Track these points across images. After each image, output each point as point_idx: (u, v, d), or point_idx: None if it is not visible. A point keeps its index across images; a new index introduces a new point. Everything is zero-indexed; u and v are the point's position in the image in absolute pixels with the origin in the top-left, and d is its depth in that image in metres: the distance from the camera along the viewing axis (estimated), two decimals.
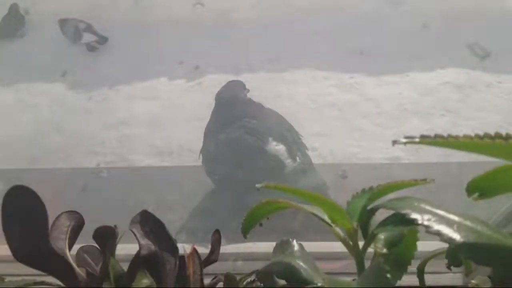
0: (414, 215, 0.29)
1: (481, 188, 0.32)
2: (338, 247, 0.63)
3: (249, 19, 2.70)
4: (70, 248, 0.36)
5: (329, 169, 1.57)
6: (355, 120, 2.16)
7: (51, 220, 0.32)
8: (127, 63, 2.52)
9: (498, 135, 0.27)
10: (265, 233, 0.52)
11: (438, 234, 0.28)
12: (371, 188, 0.34)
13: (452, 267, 0.48)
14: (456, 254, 0.36)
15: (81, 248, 0.39)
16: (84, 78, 2.47)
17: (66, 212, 0.38)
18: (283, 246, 0.39)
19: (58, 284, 0.36)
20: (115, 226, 0.33)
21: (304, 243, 0.42)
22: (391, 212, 0.34)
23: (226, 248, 0.48)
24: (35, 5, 2.88)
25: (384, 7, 2.66)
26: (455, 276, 0.59)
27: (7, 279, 0.40)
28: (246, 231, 0.38)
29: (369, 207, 0.33)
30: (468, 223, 0.29)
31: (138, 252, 0.33)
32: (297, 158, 1.30)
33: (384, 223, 0.32)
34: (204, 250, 0.44)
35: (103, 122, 2.20)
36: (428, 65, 2.37)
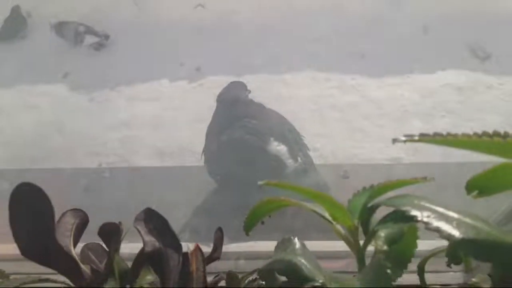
0: (414, 212, 0.30)
1: (480, 186, 0.33)
2: (339, 246, 0.63)
3: (250, 21, 2.71)
4: (74, 245, 0.37)
5: (330, 169, 1.57)
6: (356, 122, 2.16)
7: (55, 218, 0.33)
8: (128, 64, 2.53)
9: (496, 134, 0.27)
10: (267, 232, 0.53)
11: (438, 231, 0.28)
12: (371, 187, 0.35)
13: (452, 266, 0.48)
14: (456, 251, 0.36)
15: (86, 245, 0.39)
16: (85, 79, 2.48)
17: (71, 210, 0.38)
18: (284, 244, 0.39)
19: (63, 282, 0.37)
20: (120, 223, 0.34)
21: (306, 242, 0.43)
22: (391, 210, 0.35)
23: (228, 247, 0.49)
24: (37, 7, 2.89)
25: (385, 9, 2.67)
26: (455, 275, 0.59)
27: (12, 277, 0.41)
28: (248, 229, 0.39)
29: (369, 205, 0.34)
30: (467, 220, 0.29)
31: (143, 249, 0.33)
32: (299, 158, 1.30)
33: (384, 220, 0.33)
34: (206, 249, 0.45)
35: (105, 123, 2.21)
36: (429, 67, 2.37)
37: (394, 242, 0.35)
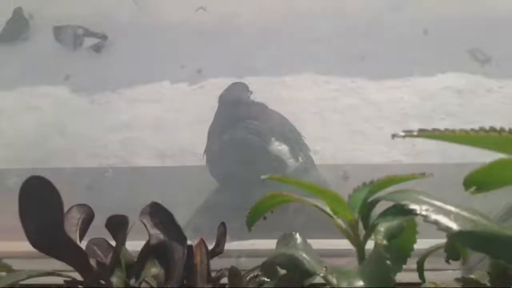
0: (413, 206, 0.31)
1: (478, 182, 0.33)
2: (340, 244, 0.64)
3: (251, 24, 2.72)
4: (80, 239, 0.38)
5: (330, 170, 1.58)
6: (356, 124, 2.17)
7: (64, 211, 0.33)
8: (129, 66, 2.54)
9: (492, 129, 0.28)
10: (269, 230, 0.54)
11: (436, 223, 0.29)
12: (371, 182, 0.36)
13: (453, 266, 0.49)
14: (454, 247, 0.37)
15: (91, 240, 0.40)
16: (87, 81, 2.49)
17: (76, 205, 0.39)
18: (286, 239, 0.40)
19: (69, 276, 0.38)
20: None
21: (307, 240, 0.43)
22: (391, 205, 0.36)
23: (230, 245, 0.50)
24: (39, 9, 2.90)
25: (385, 12, 2.68)
26: (455, 273, 0.60)
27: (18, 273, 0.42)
28: (251, 224, 0.40)
29: (369, 200, 0.35)
30: (464, 213, 0.30)
31: (148, 241, 0.34)
32: (300, 158, 1.31)
33: (384, 214, 0.34)
34: (209, 247, 0.46)
35: (106, 125, 2.22)
36: (428, 70, 2.38)
37: (393, 236, 0.36)
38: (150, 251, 0.34)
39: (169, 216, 0.35)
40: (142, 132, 2.19)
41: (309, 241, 0.43)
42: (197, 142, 1.64)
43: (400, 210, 0.32)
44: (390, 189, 0.36)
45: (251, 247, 0.66)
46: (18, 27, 2.84)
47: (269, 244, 0.50)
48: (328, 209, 0.36)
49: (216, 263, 0.45)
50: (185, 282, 0.34)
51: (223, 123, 1.36)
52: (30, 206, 0.31)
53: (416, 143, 1.97)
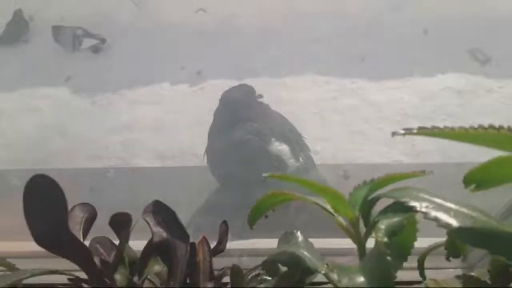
0: (413, 203, 0.31)
1: (477, 180, 0.34)
2: (341, 243, 0.64)
3: (251, 25, 2.72)
4: (84, 238, 0.38)
5: (330, 169, 1.59)
6: (356, 125, 2.17)
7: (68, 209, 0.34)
8: (130, 68, 2.54)
9: (491, 126, 0.28)
10: (270, 229, 0.54)
11: (436, 220, 0.29)
12: (372, 180, 0.36)
13: (453, 265, 0.49)
14: (455, 244, 0.37)
15: (94, 239, 0.40)
16: (87, 83, 2.49)
17: (79, 204, 0.39)
18: (287, 238, 0.40)
19: (72, 274, 0.38)
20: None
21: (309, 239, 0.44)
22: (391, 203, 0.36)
23: (231, 244, 0.50)
24: (39, 11, 2.90)
25: (385, 13, 2.68)
26: (455, 272, 0.60)
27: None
28: (253, 222, 0.40)
29: (370, 198, 0.35)
30: (464, 210, 0.30)
31: (151, 239, 0.34)
32: (300, 159, 1.31)
33: (384, 211, 0.34)
34: (211, 246, 0.46)
35: (107, 126, 2.22)
36: (428, 70, 2.38)
37: (394, 234, 0.37)
38: (153, 249, 0.34)
39: (171, 214, 0.35)
40: (143, 133, 2.19)
41: (311, 240, 0.43)
42: (197, 143, 1.65)
43: (400, 207, 0.32)
44: (390, 187, 0.36)
45: (253, 246, 0.66)
46: (18, 28, 2.84)
47: (270, 243, 0.51)
48: (329, 207, 0.36)
49: (218, 262, 0.45)
50: (188, 280, 0.34)
51: (224, 124, 1.36)
52: (35, 204, 0.31)
53: (416, 143, 1.98)
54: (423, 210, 0.30)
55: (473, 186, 0.34)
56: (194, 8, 2.83)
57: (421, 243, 0.44)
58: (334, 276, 0.30)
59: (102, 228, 0.43)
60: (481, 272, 0.45)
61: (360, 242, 0.36)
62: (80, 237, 0.37)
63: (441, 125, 0.30)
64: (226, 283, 0.44)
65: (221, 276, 0.43)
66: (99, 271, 0.33)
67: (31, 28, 2.88)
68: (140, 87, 2.44)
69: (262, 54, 2.56)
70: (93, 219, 0.39)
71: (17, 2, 2.88)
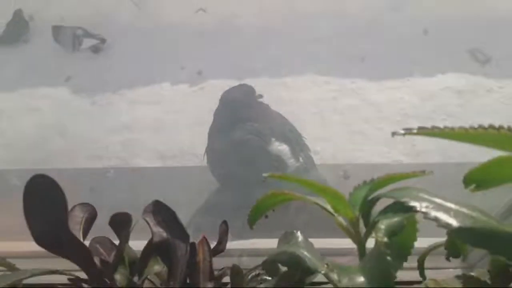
0: (413, 203, 0.31)
1: (477, 180, 0.34)
2: (341, 243, 0.64)
3: (251, 25, 2.73)
4: (84, 238, 0.38)
5: (330, 169, 1.59)
6: (356, 125, 2.17)
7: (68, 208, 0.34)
8: (130, 68, 2.55)
9: (491, 126, 0.28)
10: (270, 229, 0.54)
11: (436, 220, 0.29)
12: (372, 180, 0.36)
13: (453, 265, 0.49)
14: (455, 244, 0.37)
15: (94, 239, 0.40)
16: (88, 82, 2.50)
17: (79, 204, 0.39)
18: (287, 238, 0.40)
19: (72, 274, 0.38)
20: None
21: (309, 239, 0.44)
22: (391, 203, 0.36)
23: (231, 244, 0.50)
24: (39, 11, 2.91)
25: (385, 13, 2.68)
26: (455, 272, 0.60)
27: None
28: (253, 222, 0.40)
29: (370, 198, 0.35)
30: (464, 210, 0.30)
31: (151, 239, 0.34)
32: (300, 159, 1.31)
33: (384, 211, 0.34)
34: (211, 246, 0.46)
35: (107, 126, 2.22)
36: (428, 70, 2.38)
37: (394, 234, 0.37)
38: (153, 249, 0.34)
39: (171, 214, 0.35)
40: (143, 133, 2.19)
41: (311, 240, 0.43)
42: (197, 143, 1.65)
43: (400, 207, 0.32)
44: (390, 187, 0.36)
45: (253, 246, 0.66)
46: (18, 28, 2.85)
47: (270, 243, 0.51)
48: (329, 207, 0.36)
49: (218, 262, 0.45)
50: (188, 280, 0.34)
51: (224, 124, 1.36)
52: (35, 204, 0.31)
53: (415, 143, 1.98)
54: (423, 210, 0.30)
55: (473, 186, 0.34)
56: (194, 8, 2.83)
57: (421, 243, 0.44)
58: (334, 276, 0.30)
59: (102, 228, 0.43)
60: (481, 272, 0.45)
61: (360, 242, 0.36)
62: (80, 237, 0.37)
63: (441, 125, 0.30)
64: (226, 283, 0.44)
65: (221, 276, 0.43)
66: (99, 271, 0.33)
67: (31, 28, 2.88)
68: (140, 87, 2.44)
69: (262, 54, 2.56)
70: (93, 219, 0.39)
71: (17, 2, 2.88)
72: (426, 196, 0.32)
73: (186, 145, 2.05)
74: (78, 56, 2.70)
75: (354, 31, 2.61)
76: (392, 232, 0.37)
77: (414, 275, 0.47)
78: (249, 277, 0.46)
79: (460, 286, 0.40)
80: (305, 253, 0.38)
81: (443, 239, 0.43)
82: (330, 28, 2.64)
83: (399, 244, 0.38)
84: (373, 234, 0.36)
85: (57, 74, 2.55)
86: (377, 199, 0.35)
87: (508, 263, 0.38)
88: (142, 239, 0.42)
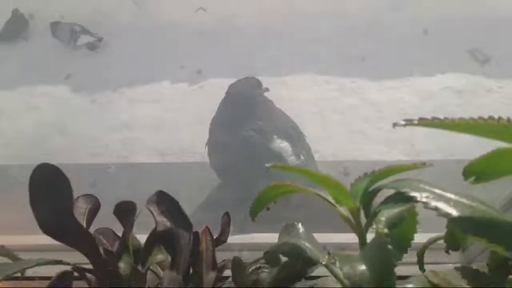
0: (413, 193, 0.31)
1: (477, 172, 0.34)
2: (342, 238, 0.65)
3: (251, 24, 2.73)
4: (87, 228, 0.39)
5: (331, 166, 1.59)
6: (356, 124, 2.18)
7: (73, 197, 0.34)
8: (130, 66, 2.55)
9: (491, 118, 0.29)
10: (270, 224, 0.54)
11: (436, 209, 0.30)
12: (373, 172, 0.36)
13: (453, 260, 0.49)
14: (454, 235, 0.38)
15: (97, 230, 0.41)
16: (87, 81, 2.50)
17: (83, 195, 0.40)
18: (288, 229, 0.41)
19: (74, 264, 0.38)
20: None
21: None
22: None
23: (232, 239, 0.50)
24: (39, 9, 2.91)
25: (385, 12, 2.69)
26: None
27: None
28: (255, 214, 0.40)
29: (371, 189, 0.35)
30: (464, 200, 0.31)
31: (155, 228, 0.35)
32: (301, 156, 1.32)
33: (385, 202, 0.34)
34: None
35: (106, 124, 2.23)
36: (428, 70, 2.39)
37: (394, 226, 0.37)
38: (157, 238, 0.35)
39: (175, 205, 0.36)
40: (143, 132, 2.20)
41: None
42: (197, 141, 1.65)
43: (401, 198, 0.32)
44: (391, 179, 0.37)
45: (253, 240, 0.67)
46: (18, 26, 2.85)
47: (271, 237, 0.51)
48: (330, 198, 0.36)
49: (219, 256, 0.45)
50: (191, 269, 0.35)
51: (228, 117, 1.36)
52: (41, 192, 0.31)
53: (415, 143, 1.98)
54: (424, 200, 0.31)
55: (472, 178, 0.34)
56: (194, 7, 2.84)
57: (421, 238, 0.44)
58: (336, 269, 0.31)
59: (102, 222, 0.44)
60: (480, 266, 0.46)
61: (361, 233, 0.36)
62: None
63: None
64: (227, 277, 0.44)
65: (222, 268, 0.43)
66: (104, 259, 0.33)
67: (30, 26, 2.88)
68: (140, 86, 2.45)
69: (262, 53, 2.56)
70: (97, 210, 0.40)
71: (17, 1, 2.88)
72: (426, 187, 0.32)
73: (185, 143, 2.05)
74: (78, 54, 2.71)
75: (354, 31, 2.62)
76: (392, 224, 0.37)
77: (414, 270, 0.48)
78: (250, 270, 0.46)
79: (459, 278, 0.41)
80: (307, 244, 0.38)
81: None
82: (330, 28, 2.65)
83: (400, 235, 0.38)
84: (374, 226, 0.36)
85: (57, 72, 2.56)
86: (378, 190, 0.35)
87: (507, 256, 0.38)
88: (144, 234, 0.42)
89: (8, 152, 2.08)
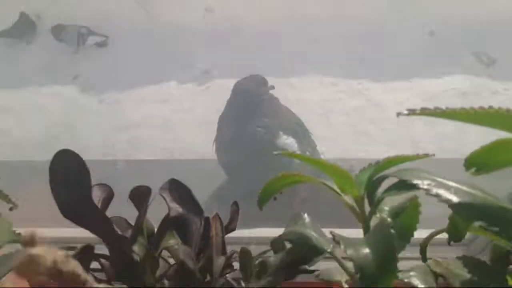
0: (416, 181, 0.33)
1: (478, 163, 0.35)
2: (345, 233, 0.66)
3: (257, 26, 2.75)
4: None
5: (336, 163, 1.60)
6: (362, 125, 2.19)
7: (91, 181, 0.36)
8: (137, 66, 2.57)
9: (490, 107, 0.30)
10: (277, 219, 0.56)
11: (437, 196, 0.31)
12: (377, 162, 0.38)
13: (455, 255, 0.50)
14: (455, 224, 0.39)
15: (110, 218, 0.42)
16: (96, 81, 2.52)
17: (97, 184, 0.41)
18: (295, 219, 0.42)
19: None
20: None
21: None
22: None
23: (239, 232, 0.51)
24: (46, 10, 2.93)
25: (392, 14, 2.70)
26: None
27: None
28: (262, 203, 0.42)
29: (375, 178, 0.37)
30: (464, 187, 0.32)
31: (168, 214, 0.36)
32: (307, 153, 1.33)
33: (388, 189, 0.36)
34: None
35: (114, 124, 2.25)
36: (434, 72, 2.40)
37: (397, 215, 0.38)
38: (169, 223, 0.36)
39: (187, 191, 0.37)
40: (150, 132, 2.22)
41: None
42: (205, 141, 1.66)
43: (403, 185, 0.34)
44: (395, 169, 0.38)
45: (260, 234, 0.68)
46: (26, 27, 2.87)
47: (277, 232, 0.52)
48: (335, 187, 0.38)
49: (227, 249, 0.47)
50: (201, 254, 0.36)
51: (235, 114, 1.37)
52: (60, 177, 0.33)
53: (420, 144, 1.99)
54: (425, 187, 0.32)
55: (473, 169, 0.35)
56: (201, 8, 2.86)
57: (423, 234, 0.45)
58: (341, 247, 0.32)
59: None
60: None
61: (365, 221, 0.37)
62: None
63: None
64: (235, 269, 0.46)
65: (231, 256, 0.44)
66: (120, 241, 0.35)
67: (38, 26, 2.91)
68: (147, 86, 2.47)
69: (269, 54, 2.58)
70: (110, 199, 0.41)
71: (25, 1, 2.91)
72: (427, 175, 0.33)
73: (193, 143, 2.07)
74: (86, 54, 2.73)
75: (360, 33, 2.63)
76: (395, 214, 0.38)
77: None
78: (257, 262, 0.47)
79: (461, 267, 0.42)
80: (312, 232, 0.39)
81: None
82: (336, 29, 2.66)
83: (403, 224, 0.39)
84: (377, 214, 0.38)
85: (65, 72, 2.58)
86: (382, 179, 0.36)
87: (509, 250, 0.39)
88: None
89: (16, 151, 2.10)
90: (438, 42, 2.56)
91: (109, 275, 0.36)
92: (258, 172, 1.10)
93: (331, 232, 0.35)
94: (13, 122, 2.30)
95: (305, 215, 0.42)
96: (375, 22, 2.66)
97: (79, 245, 0.37)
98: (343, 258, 0.38)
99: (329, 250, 0.37)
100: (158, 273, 0.38)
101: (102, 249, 0.38)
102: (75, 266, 0.26)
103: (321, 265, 0.43)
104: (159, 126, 2.25)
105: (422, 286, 0.36)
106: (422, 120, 2.14)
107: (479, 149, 0.34)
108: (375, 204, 0.36)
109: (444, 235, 0.41)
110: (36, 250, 0.24)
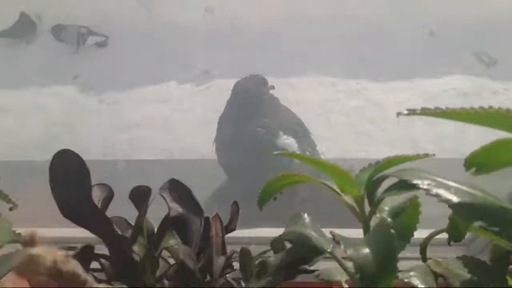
0: (416, 181, 0.33)
1: (478, 163, 0.35)
2: (344, 233, 0.66)
3: (257, 26, 2.75)
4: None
5: (337, 164, 1.60)
6: (361, 125, 2.19)
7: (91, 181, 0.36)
8: (137, 66, 2.57)
9: (490, 107, 0.30)
10: (277, 219, 0.56)
11: (437, 196, 0.31)
12: (377, 162, 0.38)
13: (454, 255, 0.50)
14: (455, 223, 0.39)
15: (110, 218, 0.42)
16: (95, 81, 2.52)
17: (97, 184, 0.41)
18: (295, 219, 0.42)
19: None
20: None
21: None
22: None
23: (239, 232, 0.51)
24: (47, 10, 2.93)
25: (392, 14, 2.70)
26: None
27: None
28: (262, 203, 0.42)
29: (375, 178, 0.37)
30: (464, 187, 0.32)
31: (168, 214, 0.36)
32: (307, 152, 1.33)
33: (388, 189, 0.36)
34: None
35: (114, 124, 2.25)
36: (434, 72, 2.40)
37: (397, 215, 0.38)
38: (169, 223, 0.36)
39: (187, 191, 0.37)
40: (150, 132, 2.22)
41: None
42: (204, 141, 1.66)
43: (403, 185, 0.34)
44: (394, 170, 0.38)
45: (260, 234, 0.68)
46: (26, 27, 2.87)
47: (277, 232, 0.52)
48: (336, 187, 0.38)
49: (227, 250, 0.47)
50: (201, 253, 0.36)
51: (235, 114, 1.37)
52: (60, 177, 0.33)
53: (420, 144, 1.99)
54: (425, 187, 0.32)
55: (473, 169, 0.35)
56: (201, 8, 2.86)
57: (423, 234, 0.45)
58: (341, 247, 0.32)
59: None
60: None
61: (365, 221, 0.37)
62: None
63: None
64: (235, 269, 0.46)
65: (231, 256, 0.44)
66: (120, 241, 0.35)
67: (38, 27, 2.91)
68: (147, 86, 2.47)
69: (269, 54, 2.58)
70: (110, 199, 0.41)
71: (25, 1, 2.91)
72: (428, 175, 0.33)
73: (192, 143, 2.07)
74: (86, 54, 2.73)
75: (360, 33, 2.63)
76: (395, 214, 0.38)
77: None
78: (257, 262, 0.47)
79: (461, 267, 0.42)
80: (312, 233, 0.39)
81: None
82: (336, 29, 2.66)
83: (403, 224, 0.39)
84: (377, 215, 0.38)
85: (65, 72, 2.58)
86: (382, 179, 0.36)
87: (509, 250, 0.39)
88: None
89: (16, 151, 2.10)
90: (438, 42, 2.56)
91: (109, 275, 0.36)
92: (258, 172, 1.11)
93: (331, 232, 0.35)
94: (13, 122, 2.30)
95: (305, 215, 0.42)
96: (375, 22, 2.66)
97: (79, 245, 0.37)
98: (343, 258, 0.38)
99: (329, 250, 0.37)
100: (158, 273, 0.38)
101: (102, 249, 0.38)
102: (75, 266, 0.26)
103: (321, 265, 0.43)
104: (159, 126, 2.25)
105: (422, 286, 0.36)
106: (422, 120, 2.14)
107: (479, 149, 0.34)
108: (375, 204, 0.36)
109: (444, 235, 0.41)
110: (36, 250, 0.25)
